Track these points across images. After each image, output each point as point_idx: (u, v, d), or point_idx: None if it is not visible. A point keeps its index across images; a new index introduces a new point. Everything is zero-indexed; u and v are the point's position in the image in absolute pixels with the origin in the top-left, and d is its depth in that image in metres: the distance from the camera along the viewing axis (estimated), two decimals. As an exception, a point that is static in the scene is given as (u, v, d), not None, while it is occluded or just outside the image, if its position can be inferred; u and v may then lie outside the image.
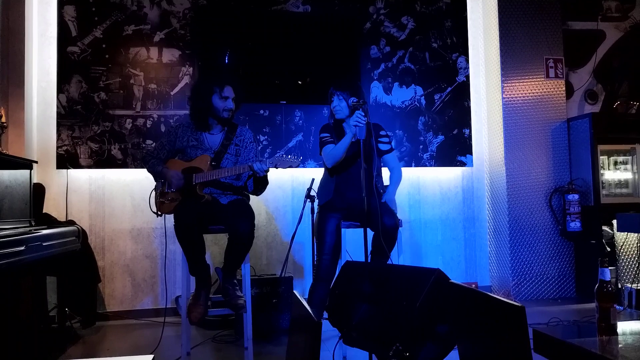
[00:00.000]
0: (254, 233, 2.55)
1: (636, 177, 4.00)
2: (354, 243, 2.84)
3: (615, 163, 4.06)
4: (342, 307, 2.06)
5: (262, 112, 3.88)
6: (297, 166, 2.57)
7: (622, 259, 3.48)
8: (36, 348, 2.68)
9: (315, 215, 2.91)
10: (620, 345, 1.57)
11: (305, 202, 3.16)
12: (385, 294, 1.92)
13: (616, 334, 1.65)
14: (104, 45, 3.63)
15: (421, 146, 4.14)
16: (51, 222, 3.06)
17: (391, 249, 2.59)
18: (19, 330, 2.51)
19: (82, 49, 3.60)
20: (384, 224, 2.54)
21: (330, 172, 2.83)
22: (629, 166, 4.04)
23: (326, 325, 2.26)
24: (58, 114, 3.56)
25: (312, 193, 3.09)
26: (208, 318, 3.20)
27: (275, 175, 3.74)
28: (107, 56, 3.63)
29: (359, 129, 2.53)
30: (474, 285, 4.07)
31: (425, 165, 4.15)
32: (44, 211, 3.16)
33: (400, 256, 2.78)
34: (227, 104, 2.71)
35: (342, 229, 2.74)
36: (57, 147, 3.54)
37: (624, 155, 4.05)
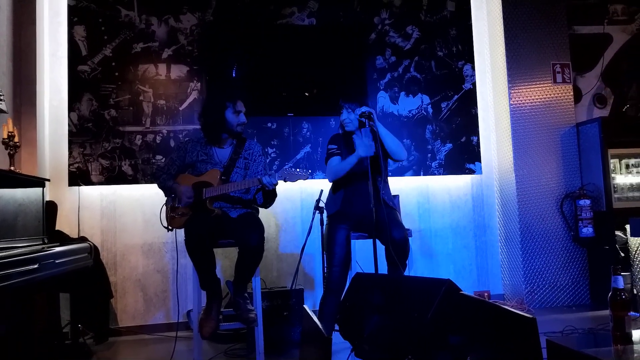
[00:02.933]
0: (264, 246, 2.56)
1: (649, 180, 3.95)
2: (365, 254, 2.84)
3: (627, 166, 4.01)
4: (353, 320, 2.05)
5: (269, 124, 3.90)
6: (306, 179, 2.59)
7: (637, 264, 3.43)
8: (50, 365, 2.70)
9: (324, 226, 2.92)
10: (635, 355, 1.55)
11: (314, 213, 3.16)
12: (396, 305, 1.91)
13: (631, 342, 1.63)
14: (113, 64, 3.68)
15: (429, 155, 4.14)
16: (64, 239, 3.10)
17: (404, 261, 2.58)
18: (33, 347, 2.54)
19: (92, 68, 3.66)
20: (393, 238, 2.53)
21: (338, 184, 2.84)
22: (641, 170, 3.99)
23: (338, 338, 2.26)
24: (69, 132, 3.61)
25: (321, 204, 3.09)
26: (220, 332, 3.19)
27: (284, 187, 3.74)
28: (116, 74, 3.69)
29: (366, 149, 2.54)
30: (486, 294, 4.03)
31: (434, 174, 4.13)
32: (56, 228, 3.19)
33: (410, 266, 2.77)
34: (240, 118, 2.76)
35: (352, 240, 2.73)
36: (69, 165, 3.59)
37: (636, 158, 3.99)
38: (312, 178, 3.90)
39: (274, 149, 3.89)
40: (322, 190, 3.15)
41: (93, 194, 3.65)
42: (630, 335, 1.64)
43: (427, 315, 1.73)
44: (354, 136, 2.84)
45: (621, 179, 3.97)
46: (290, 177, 2.54)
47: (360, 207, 2.71)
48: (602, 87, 4.51)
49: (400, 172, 4.07)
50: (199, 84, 3.80)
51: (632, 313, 1.71)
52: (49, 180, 3.01)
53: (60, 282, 2.81)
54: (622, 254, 3.62)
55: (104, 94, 3.66)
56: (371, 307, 1.99)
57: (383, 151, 2.68)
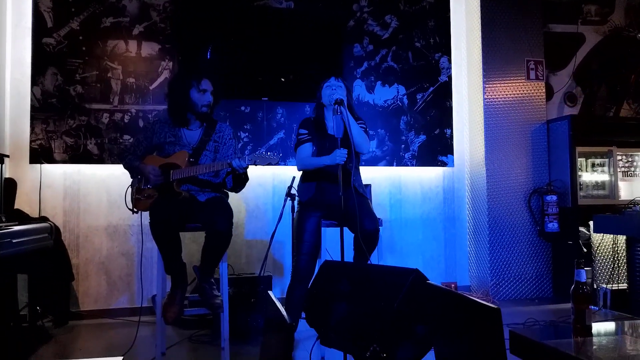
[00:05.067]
0: (232, 231, 2.51)
1: (613, 179, 4.06)
2: (335, 242, 2.81)
3: (593, 165, 4.11)
4: (320, 307, 2.03)
5: (243, 108, 3.83)
6: (277, 163, 2.55)
7: (598, 260, 3.53)
8: (6, 348, 2.59)
9: (295, 213, 2.88)
10: (594, 347, 1.58)
11: (285, 200, 3.12)
12: (364, 294, 1.90)
13: (591, 335, 1.66)
14: (80, 38, 3.53)
15: (403, 145, 4.14)
16: (23, 218, 2.98)
17: (372, 252, 2.57)
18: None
19: (57, 41, 3.50)
20: (365, 228, 2.51)
21: (309, 173, 2.79)
22: (605, 168, 4.10)
23: (304, 326, 2.24)
24: (32, 107, 3.45)
25: (293, 191, 3.05)
26: (185, 317, 3.14)
27: (256, 172, 3.69)
28: (84, 48, 3.54)
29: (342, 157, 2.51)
30: (453, 285, 4.09)
31: (407, 165, 4.14)
32: (15, 207, 3.07)
33: (380, 255, 2.77)
34: (206, 97, 2.65)
35: (322, 228, 2.71)
36: (31, 141, 3.44)
37: (601, 157, 4.10)
38: (284, 164, 3.86)
39: (247, 134, 3.82)
40: (294, 177, 3.10)
41: (56, 172, 3.51)
42: (590, 328, 1.67)
43: (394, 305, 1.73)
44: (325, 119, 2.78)
45: (587, 176, 4.07)
46: (260, 161, 2.48)
47: (332, 195, 2.67)
48: (573, 85, 4.60)
49: (373, 162, 4.06)
50: (171, 63, 3.68)
51: (592, 307, 1.74)
52: (8, 156, 2.88)
53: (17, 263, 2.69)
54: (585, 250, 3.71)
55: (70, 69, 3.51)
56: (338, 295, 1.97)
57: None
